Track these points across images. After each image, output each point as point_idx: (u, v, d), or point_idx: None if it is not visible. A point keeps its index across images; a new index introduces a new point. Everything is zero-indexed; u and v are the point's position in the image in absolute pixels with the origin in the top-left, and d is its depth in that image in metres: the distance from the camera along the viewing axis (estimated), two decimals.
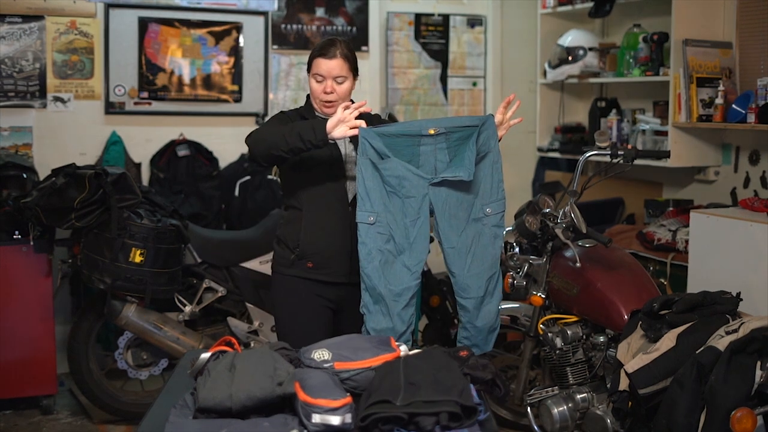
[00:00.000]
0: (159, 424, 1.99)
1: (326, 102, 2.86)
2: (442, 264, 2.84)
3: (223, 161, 4.92)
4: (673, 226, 3.94)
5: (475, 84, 5.52)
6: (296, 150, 2.70)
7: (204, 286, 4.04)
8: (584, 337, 3.22)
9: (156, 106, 4.84)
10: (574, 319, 3.25)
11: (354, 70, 2.91)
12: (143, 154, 4.81)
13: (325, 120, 2.68)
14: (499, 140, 2.79)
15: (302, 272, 2.93)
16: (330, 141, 2.69)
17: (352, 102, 2.93)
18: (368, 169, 2.66)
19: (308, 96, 3.00)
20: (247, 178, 4.83)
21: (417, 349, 2.34)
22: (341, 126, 2.66)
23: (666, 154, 3.56)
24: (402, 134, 2.67)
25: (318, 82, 2.87)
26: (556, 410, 3.18)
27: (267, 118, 4.89)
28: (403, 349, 2.24)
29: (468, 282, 2.74)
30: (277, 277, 3.01)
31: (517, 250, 3.43)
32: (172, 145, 4.82)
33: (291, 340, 2.57)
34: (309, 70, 2.91)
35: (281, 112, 2.97)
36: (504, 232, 2.80)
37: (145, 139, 4.82)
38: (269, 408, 1.98)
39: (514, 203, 5.10)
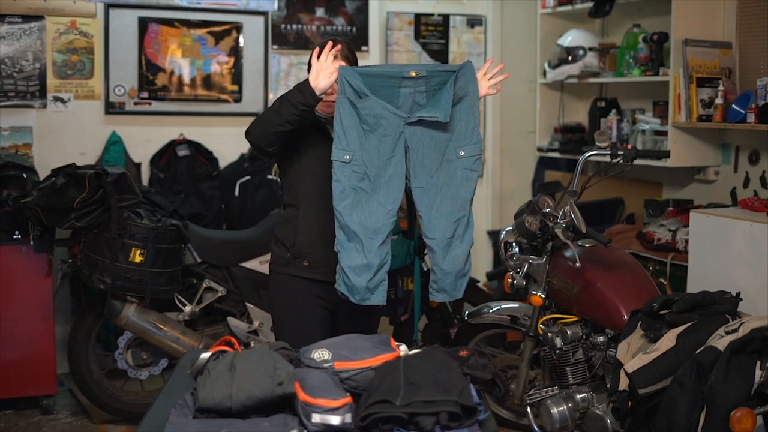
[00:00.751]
0: (159, 424, 1.99)
1: (326, 102, 2.87)
2: None
3: (223, 161, 4.92)
4: (673, 226, 3.94)
5: None
6: (291, 118, 2.72)
7: (204, 286, 4.04)
8: (584, 337, 3.22)
9: (156, 106, 4.85)
10: (574, 319, 3.25)
11: None
12: (143, 154, 4.81)
13: (307, 79, 2.70)
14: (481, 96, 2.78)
15: (298, 271, 2.93)
16: (320, 96, 2.70)
17: None
18: (346, 107, 2.66)
19: None
20: (247, 178, 4.83)
21: (417, 349, 2.34)
22: (322, 75, 2.68)
23: (666, 154, 3.56)
24: (383, 75, 2.67)
25: None
26: (555, 410, 3.18)
27: None
28: (403, 349, 2.24)
29: (434, 222, 2.72)
30: (274, 277, 3.01)
31: (517, 250, 3.43)
32: (172, 145, 4.82)
33: (289, 339, 2.57)
34: (309, 70, 2.91)
35: None
36: (477, 176, 2.77)
37: (145, 139, 4.82)
38: (269, 408, 1.98)
39: (514, 203, 5.14)
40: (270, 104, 4.94)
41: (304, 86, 2.70)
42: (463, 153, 2.73)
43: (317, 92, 2.69)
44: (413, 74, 2.66)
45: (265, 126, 2.77)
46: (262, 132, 2.78)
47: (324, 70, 2.69)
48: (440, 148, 2.71)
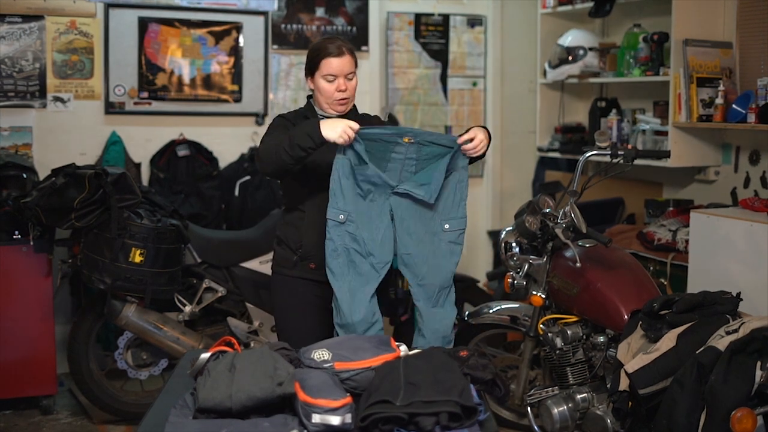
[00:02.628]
0: (159, 424, 1.99)
1: (340, 100, 2.86)
2: None
3: (223, 161, 4.92)
4: (673, 226, 3.94)
5: (475, 84, 5.52)
6: (302, 158, 2.71)
7: (204, 286, 4.04)
8: (584, 337, 3.22)
9: (156, 106, 4.84)
10: (574, 319, 3.25)
11: (356, 66, 2.92)
12: (143, 154, 4.81)
13: (316, 122, 2.67)
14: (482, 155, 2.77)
15: (304, 273, 2.93)
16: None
17: (354, 106, 2.95)
18: (346, 169, 2.69)
19: (309, 97, 2.99)
20: (247, 178, 4.83)
21: (417, 349, 2.34)
22: (336, 135, 2.64)
23: (666, 154, 3.56)
24: (380, 139, 2.69)
25: (329, 81, 2.85)
26: (556, 410, 3.18)
27: (266, 119, 4.95)
28: (403, 349, 2.24)
29: (421, 291, 2.76)
30: (278, 278, 3.01)
31: (517, 250, 3.43)
32: (172, 145, 4.82)
33: (292, 341, 2.57)
34: (313, 72, 2.89)
35: (280, 116, 2.95)
36: (461, 250, 2.80)
37: (145, 139, 4.81)
38: (269, 408, 1.98)
39: (514, 203, 5.13)
40: (269, 102, 4.98)
41: (314, 132, 2.64)
42: (447, 227, 2.77)
43: (325, 139, 2.67)
44: (406, 140, 2.69)
45: (277, 166, 2.74)
46: (275, 170, 2.76)
47: (341, 135, 2.63)
48: (425, 220, 2.76)
